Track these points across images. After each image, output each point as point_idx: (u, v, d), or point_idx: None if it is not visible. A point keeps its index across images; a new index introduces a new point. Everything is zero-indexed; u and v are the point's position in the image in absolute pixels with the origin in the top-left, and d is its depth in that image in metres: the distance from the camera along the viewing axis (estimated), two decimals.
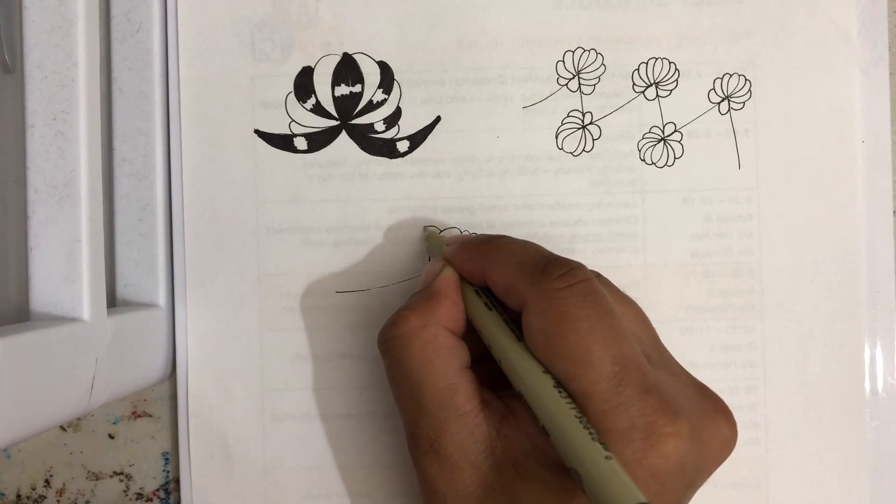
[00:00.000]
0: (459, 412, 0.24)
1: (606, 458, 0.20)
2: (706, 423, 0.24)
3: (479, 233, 0.31)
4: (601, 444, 0.21)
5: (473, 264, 0.26)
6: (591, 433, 0.21)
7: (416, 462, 0.25)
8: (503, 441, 0.24)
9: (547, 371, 0.23)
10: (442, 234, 0.31)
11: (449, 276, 0.27)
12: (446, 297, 0.26)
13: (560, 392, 0.22)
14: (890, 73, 0.32)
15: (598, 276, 0.26)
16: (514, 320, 0.25)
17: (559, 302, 0.23)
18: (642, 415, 0.22)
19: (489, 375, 0.26)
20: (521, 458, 0.24)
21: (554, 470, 0.23)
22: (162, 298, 0.31)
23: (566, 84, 0.32)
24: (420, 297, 0.27)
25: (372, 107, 0.32)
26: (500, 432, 0.24)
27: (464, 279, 0.27)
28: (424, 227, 0.31)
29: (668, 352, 0.26)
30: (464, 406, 0.24)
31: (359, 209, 0.32)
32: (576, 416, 0.22)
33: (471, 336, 0.26)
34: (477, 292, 0.26)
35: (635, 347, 0.23)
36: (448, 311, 0.26)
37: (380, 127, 0.32)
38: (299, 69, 0.32)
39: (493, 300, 0.26)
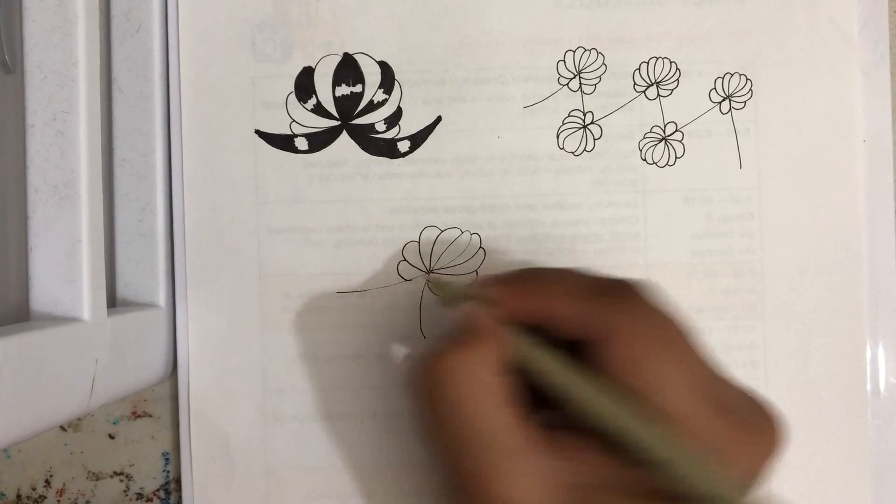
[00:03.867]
0: (513, 451, 0.22)
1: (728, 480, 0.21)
2: (765, 430, 0.24)
3: (506, 271, 0.28)
4: (716, 467, 0.21)
5: (529, 299, 0.24)
6: (703, 458, 0.21)
7: None
8: (567, 475, 0.22)
9: (627, 401, 0.22)
10: (450, 282, 0.28)
11: (492, 314, 0.25)
12: (491, 334, 0.24)
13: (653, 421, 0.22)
14: (891, 73, 0.32)
15: None
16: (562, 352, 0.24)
17: (647, 325, 0.22)
18: (725, 433, 0.22)
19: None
20: (590, 491, 0.22)
21: (635, 497, 0.22)
22: (162, 298, 0.31)
23: (567, 84, 0.32)
24: (461, 332, 0.24)
25: (373, 107, 0.32)
26: (559, 467, 0.22)
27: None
28: (427, 279, 0.31)
29: (716, 361, 0.25)
30: (517, 444, 0.22)
31: (360, 209, 0.32)
32: (680, 444, 0.22)
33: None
34: (522, 332, 0.25)
35: (711, 366, 0.23)
36: (492, 349, 0.24)
37: (380, 127, 0.32)
38: (300, 69, 0.32)
39: (541, 340, 0.24)
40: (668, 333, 0.23)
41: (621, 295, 0.23)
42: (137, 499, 0.33)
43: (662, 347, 0.22)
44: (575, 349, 0.24)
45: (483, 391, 0.23)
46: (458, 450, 0.23)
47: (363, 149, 0.32)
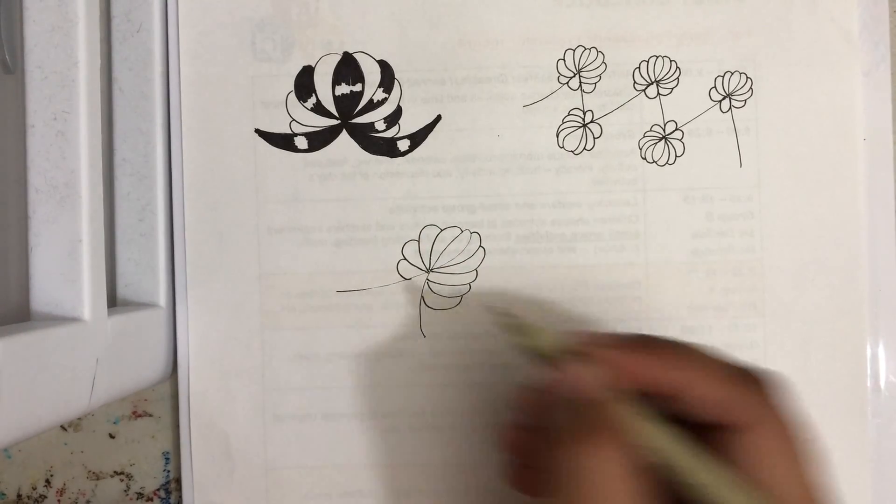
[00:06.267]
0: None
1: None
2: None
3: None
4: None
5: (661, 370, 0.23)
6: None
7: None
8: None
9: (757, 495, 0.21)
10: (540, 329, 0.25)
11: (601, 380, 0.23)
12: (621, 426, 0.22)
13: None
14: (891, 73, 0.32)
15: None
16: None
17: (789, 424, 0.22)
18: None
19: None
20: None
21: None
22: (162, 298, 0.31)
23: (567, 82, 0.32)
24: (584, 420, 0.22)
25: (372, 106, 0.32)
26: None
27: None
28: (496, 311, 0.28)
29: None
30: None
31: (359, 208, 0.32)
32: None
33: None
34: (634, 404, 0.22)
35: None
36: (624, 442, 0.21)
37: (380, 126, 0.32)
38: (300, 68, 0.32)
39: (650, 411, 0.22)
40: (800, 436, 0.22)
41: (767, 385, 0.23)
42: (138, 498, 0.33)
43: (798, 449, 0.22)
44: (686, 428, 0.22)
45: (624, 496, 0.21)
46: None
47: (363, 148, 0.32)
